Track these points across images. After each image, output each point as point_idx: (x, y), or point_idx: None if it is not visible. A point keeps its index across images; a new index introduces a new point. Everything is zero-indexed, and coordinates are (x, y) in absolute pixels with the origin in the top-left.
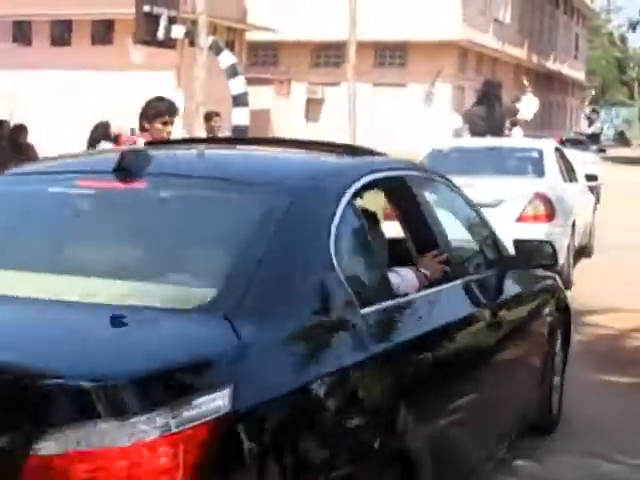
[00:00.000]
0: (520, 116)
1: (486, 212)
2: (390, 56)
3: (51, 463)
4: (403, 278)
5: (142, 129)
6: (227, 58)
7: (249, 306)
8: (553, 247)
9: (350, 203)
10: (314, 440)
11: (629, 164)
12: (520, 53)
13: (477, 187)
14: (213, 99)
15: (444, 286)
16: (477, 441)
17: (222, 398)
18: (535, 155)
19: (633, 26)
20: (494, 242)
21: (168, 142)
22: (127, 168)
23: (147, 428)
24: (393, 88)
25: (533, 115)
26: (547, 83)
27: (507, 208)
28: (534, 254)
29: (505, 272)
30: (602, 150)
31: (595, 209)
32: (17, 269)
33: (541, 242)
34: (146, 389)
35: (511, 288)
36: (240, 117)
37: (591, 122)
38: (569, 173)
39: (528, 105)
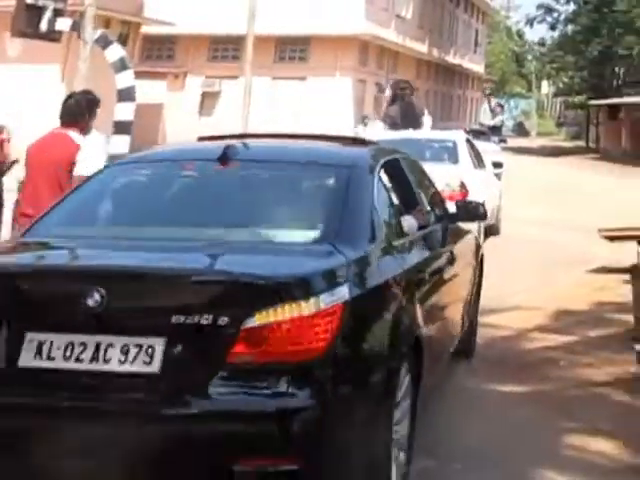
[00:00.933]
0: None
1: None
2: (291, 50)
3: (257, 330)
4: (409, 222)
5: (77, 124)
6: (115, 51)
7: (341, 238)
8: (484, 206)
9: (380, 174)
10: (387, 311)
11: (527, 154)
12: (421, 47)
13: None
14: (98, 94)
15: (426, 230)
16: (448, 334)
17: (344, 290)
18: (450, 145)
19: (530, 22)
20: (443, 202)
21: (220, 137)
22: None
23: (315, 305)
24: (293, 82)
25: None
26: (448, 77)
27: None
28: (471, 211)
29: (451, 224)
30: (503, 140)
31: (501, 193)
32: (177, 226)
33: (476, 203)
34: (313, 283)
35: (457, 234)
36: (124, 112)
37: (495, 115)
38: (478, 161)
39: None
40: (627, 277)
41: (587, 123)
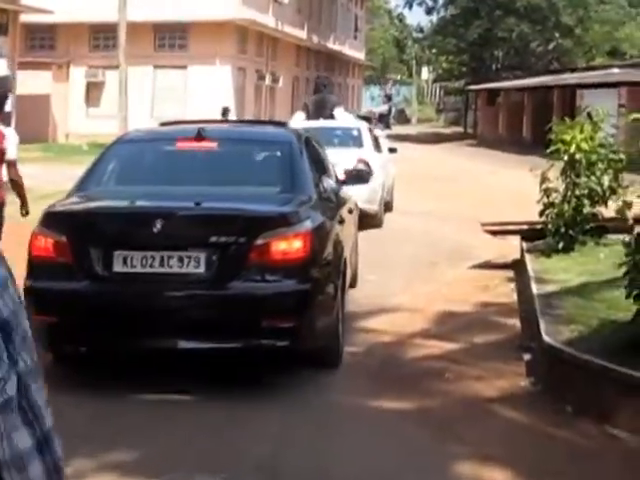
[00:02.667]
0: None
1: None
2: (170, 37)
3: (263, 245)
4: (328, 181)
5: None
6: None
7: (295, 189)
8: (366, 172)
9: (305, 147)
10: (331, 237)
11: (407, 141)
12: (300, 34)
13: None
14: None
15: (334, 187)
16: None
17: (308, 222)
18: (355, 133)
19: (409, 4)
20: (334, 170)
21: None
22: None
23: (296, 229)
24: (174, 70)
25: None
26: (329, 63)
27: (339, 169)
28: (357, 175)
29: (341, 187)
30: (388, 127)
31: (394, 175)
32: (171, 184)
33: (360, 169)
34: (293, 214)
35: (346, 195)
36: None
37: (389, 99)
38: (377, 145)
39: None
40: (511, 274)
41: (465, 109)
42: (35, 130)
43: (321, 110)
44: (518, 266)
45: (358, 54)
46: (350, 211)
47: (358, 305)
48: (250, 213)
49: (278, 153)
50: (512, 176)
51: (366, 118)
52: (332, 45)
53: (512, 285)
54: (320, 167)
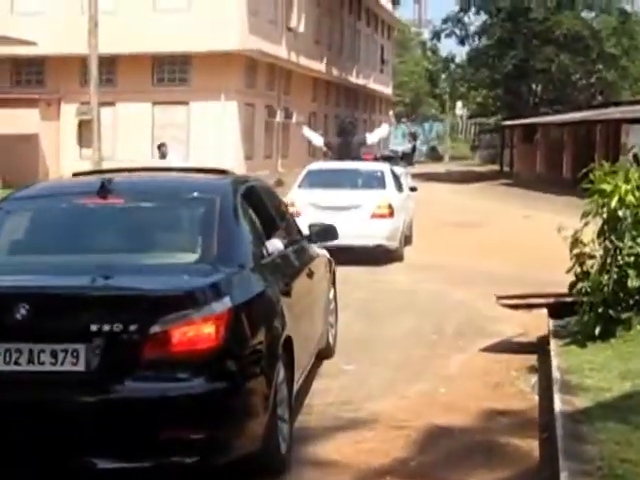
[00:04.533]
0: (368, 142)
1: (349, 212)
2: (169, 71)
3: (161, 334)
4: (274, 244)
5: None
6: None
7: (220, 257)
8: (334, 228)
9: (242, 201)
10: (262, 316)
11: (437, 181)
12: (318, 66)
13: (342, 195)
14: None
15: (287, 250)
16: (309, 343)
17: (226, 300)
18: (379, 174)
19: (437, 36)
20: (296, 226)
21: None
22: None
23: (206, 311)
24: (175, 107)
25: (378, 140)
26: (351, 99)
27: (363, 209)
28: (323, 232)
29: (306, 244)
30: (411, 165)
31: (413, 211)
32: (79, 253)
33: (326, 225)
34: (204, 291)
35: (310, 254)
36: None
37: (414, 138)
38: (398, 185)
39: (377, 132)
40: (534, 359)
41: (502, 146)
42: (23, 172)
43: (346, 152)
44: (544, 348)
45: (385, 88)
46: (315, 272)
47: (319, 413)
48: (144, 292)
49: (201, 211)
50: (548, 222)
51: (389, 158)
52: (355, 79)
53: (534, 379)
54: (269, 225)
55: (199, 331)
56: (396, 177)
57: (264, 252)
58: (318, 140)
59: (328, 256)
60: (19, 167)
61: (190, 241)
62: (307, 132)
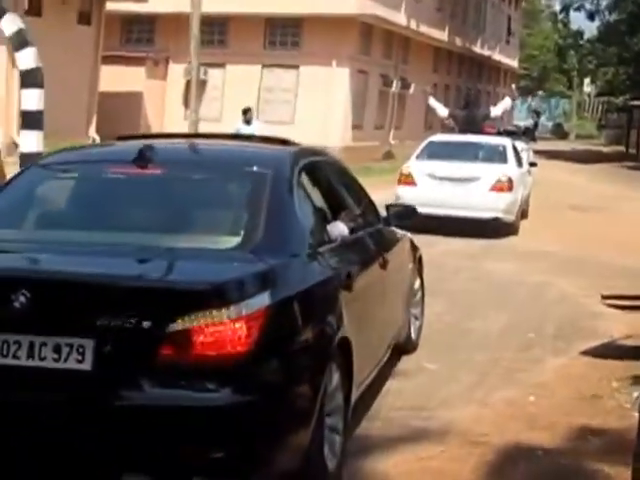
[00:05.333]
0: (492, 115)
1: (468, 184)
2: (282, 34)
3: (181, 334)
4: (338, 228)
5: None
6: (11, 23)
7: (263, 244)
8: (414, 209)
9: (302, 178)
10: (311, 316)
11: (560, 159)
12: (440, 35)
13: (461, 167)
14: None
15: (355, 236)
16: (377, 341)
17: (264, 297)
18: (500, 148)
19: (566, 9)
20: (374, 207)
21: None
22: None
23: (236, 309)
24: (284, 70)
25: (502, 113)
26: (474, 70)
27: (482, 182)
28: (400, 215)
29: (385, 228)
30: (533, 140)
31: (531, 185)
32: (99, 230)
33: (405, 206)
34: (236, 286)
35: (387, 239)
36: (31, 100)
37: (537, 115)
38: (518, 160)
39: (500, 106)
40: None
41: (628, 126)
42: (124, 131)
43: (469, 124)
44: None
45: (511, 61)
46: (391, 260)
47: (386, 419)
48: (164, 283)
49: (250, 187)
50: None
51: (511, 132)
52: (479, 49)
53: (637, 393)
54: (334, 206)
55: (227, 332)
56: (517, 152)
57: (324, 238)
58: (443, 111)
59: (413, 241)
60: (121, 126)
61: (232, 223)
62: (433, 102)
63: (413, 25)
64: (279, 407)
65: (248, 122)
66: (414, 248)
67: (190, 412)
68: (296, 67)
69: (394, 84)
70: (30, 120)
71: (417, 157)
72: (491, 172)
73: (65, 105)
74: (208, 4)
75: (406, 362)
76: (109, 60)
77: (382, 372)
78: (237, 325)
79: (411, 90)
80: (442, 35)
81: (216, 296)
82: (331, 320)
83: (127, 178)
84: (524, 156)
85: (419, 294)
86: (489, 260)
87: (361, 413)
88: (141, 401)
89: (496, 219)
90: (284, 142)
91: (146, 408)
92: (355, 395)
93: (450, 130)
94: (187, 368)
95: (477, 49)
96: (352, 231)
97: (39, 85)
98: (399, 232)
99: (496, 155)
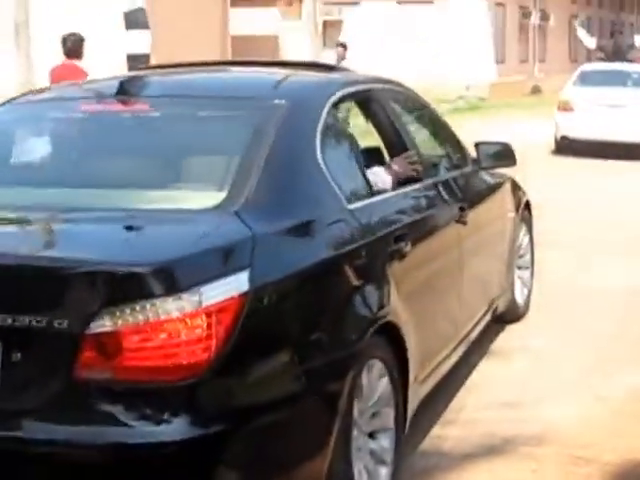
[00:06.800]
0: (637, 44)
1: (622, 109)
2: None
3: (105, 337)
4: (377, 175)
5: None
6: None
7: (253, 203)
8: (510, 148)
9: (330, 114)
10: (311, 312)
11: None
12: None
13: (615, 93)
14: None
15: (417, 185)
16: (450, 323)
17: (242, 279)
18: None
19: None
20: (459, 147)
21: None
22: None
23: (191, 302)
24: (418, 5)
25: None
26: (616, 0)
27: (634, 108)
28: (495, 155)
29: (470, 172)
30: None
31: None
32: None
33: (500, 144)
34: (187, 271)
35: (475, 186)
36: (137, 43)
37: None
38: None
39: None
40: None
41: None
42: None
43: (617, 54)
44: None
45: None
46: (479, 214)
47: (465, 423)
48: (83, 265)
49: (254, 124)
50: None
51: None
52: None
53: None
54: (393, 147)
55: (178, 334)
56: None
57: (366, 191)
58: (590, 42)
59: (517, 184)
60: None
61: (222, 173)
62: (581, 33)
63: None
64: (263, 440)
65: (342, 58)
66: (517, 194)
67: (122, 453)
68: (431, 2)
69: (533, 15)
70: (137, 64)
71: (573, 84)
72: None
73: (198, 51)
74: None
75: (507, 336)
76: (240, 2)
77: (473, 352)
78: (193, 322)
79: (551, 21)
80: None
81: (159, 281)
82: (367, 302)
83: (97, 117)
84: None
85: (527, 252)
86: None
87: (433, 417)
88: (47, 435)
89: None
90: (329, 68)
91: (54, 447)
92: (415, 402)
93: (599, 60)
94: (118, 387)
95: None
96: (415, 179)
97: (144, 26)
98: (497, 175)
99: None
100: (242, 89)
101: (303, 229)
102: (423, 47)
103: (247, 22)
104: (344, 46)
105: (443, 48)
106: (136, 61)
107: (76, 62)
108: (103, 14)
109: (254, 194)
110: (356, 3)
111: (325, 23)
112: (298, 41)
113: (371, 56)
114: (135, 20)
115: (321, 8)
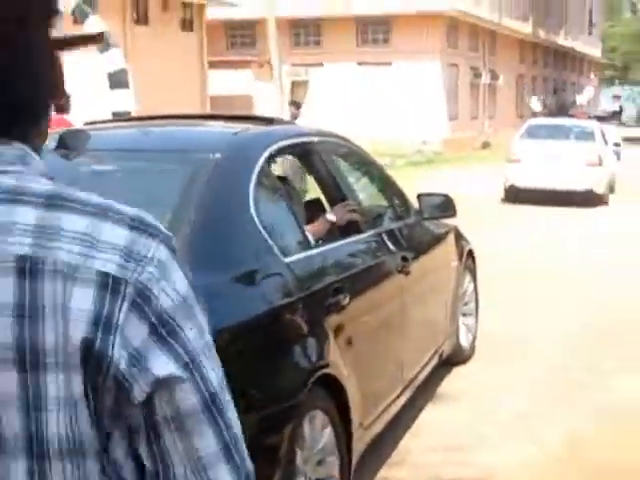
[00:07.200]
0: (578, 102)
1: (564, 160)
2: (373, 31)
3: None
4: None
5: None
6: (94, 25)
7: (185, 260)
8: (451, 200)
9: (265, 166)
10: (249, 365)
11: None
12: (524, 27)
13: (558, 145)
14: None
15: (359, 236)
16: (394, 370)
17: None
18: (589, 130)
19: None
20: (402, 198)
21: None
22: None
23: None
24: (377, 67)
25: (587, 101)
26: (559, 61)
27: (576, 159)
28: (436, 206)
29: (412, 223)
30: (620, 122)
31: (616, 164)
32: None
33: (442, 195)
34: None
35: (418, 237)
36: (120, 101)
37: (618, 99)
38: (604, 140)
39: (585, 94)
40: None
41: None
42: None
43: (561, 110)
44: None
45: (593, 51)
46: (421, 264)
47: (415, 461)
48: None
49: (186, 178)
50: None
51: (600, 117)
52: (562, 41)
53: None
54: (332, 199)
55: None
56: (602, 133)
57: (303, 243)
58: (537, 107)
59: (460, 234)
60: None
61: None
62: (533, 104)
63: (496, 19)
64: None
65: (294, 117)
66: (460, 243)
67: None
68: (389, 64)
69: (483, 75)
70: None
71: (520, 137)
72: (583, 150)
73: (179, 109)
74: (302, 9)
75: (452, 379)
76: (217, 65)
77: (419, 396)
78: None
79: (500, 80)
80: (526, 27)
81: None
82: (305, 354)
83: None
84: (609, 138)
85: (472, 300)
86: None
87: (381, 457)
88: None
89: (589, 191)
90: (270, 121)
91: None
92: (361, 447)
93: (542, 115)
94: None
95: (560, 40)
96: (353, 230)
97: (125, 86)
98: (441, 225)
99: (586, 135)
100: (178, 143)
101: (237, 283)
102: (382, 105)
103: (224, 82)
104: (297, 104)
105: (400, 106)
106: (120, 118)
107: (64, 116)
108: (89, 74)
109: (184, 249)
110: (320, 64)
111: (293, 83)
112: (270, 99)
113: (334, 113)
114: (118, 80)
115: (289, 69)
